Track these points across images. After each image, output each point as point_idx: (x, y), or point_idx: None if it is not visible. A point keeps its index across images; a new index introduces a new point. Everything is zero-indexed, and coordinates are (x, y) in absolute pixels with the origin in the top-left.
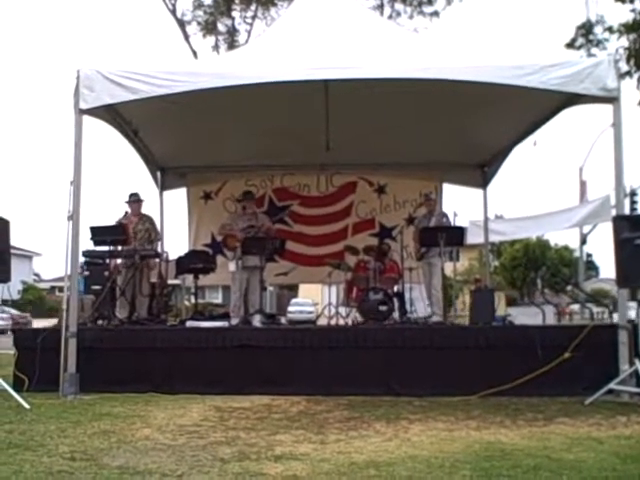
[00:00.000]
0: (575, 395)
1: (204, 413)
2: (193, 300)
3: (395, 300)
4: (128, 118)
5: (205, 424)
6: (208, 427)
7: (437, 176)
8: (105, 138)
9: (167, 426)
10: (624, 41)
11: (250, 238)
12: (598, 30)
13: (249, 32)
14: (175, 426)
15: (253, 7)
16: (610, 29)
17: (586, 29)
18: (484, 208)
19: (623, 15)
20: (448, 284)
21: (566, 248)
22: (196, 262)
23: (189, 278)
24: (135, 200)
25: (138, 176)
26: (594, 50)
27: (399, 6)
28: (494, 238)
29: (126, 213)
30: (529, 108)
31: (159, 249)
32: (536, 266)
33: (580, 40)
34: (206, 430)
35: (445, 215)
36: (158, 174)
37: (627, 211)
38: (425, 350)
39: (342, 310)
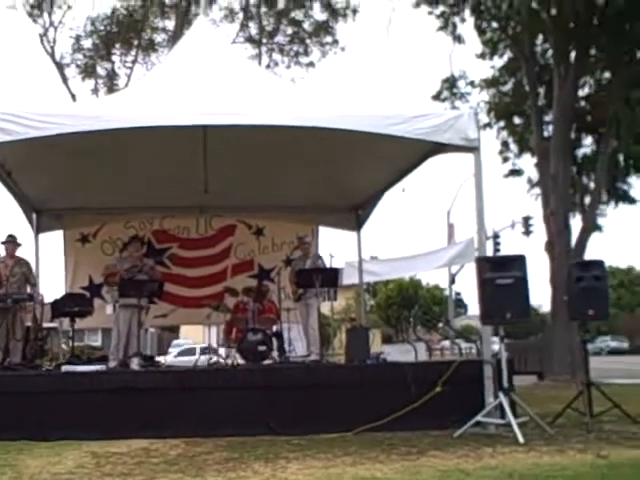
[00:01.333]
0: (445, 428)
1: (80, 460)
2: (70, 343)
3: (274, 340)
4: (1, 160)
5: (80, 471)
6: (83, 474)
7: (313, 219)
8: None
9: (40, 475)
10: (485, 95)
11: (128, 280)
12: (461, 84)
13: (129, 76)
14: (49, 475)
15: (133, 52)
16: (472, 84)
17: (450, 83)
18: (358, 249)
19: (484, 71)
20: (326, 323)
21: (437, 287)
22: (72, 305)
23: (66, 321)
24: (11, 241)
25: (12, 218)
26: (458, 103)
27: (277, 56)
28: (369, 278)
29: (7, 254)
30: (398, 156)
31: (35, 292)
32: (409, 304)
33: (445, 93)
34: (80, 477)
35: (320, 257)
36: (33, 216)
37: (491, 252)
38: (303, 389)
39: (222, 351)
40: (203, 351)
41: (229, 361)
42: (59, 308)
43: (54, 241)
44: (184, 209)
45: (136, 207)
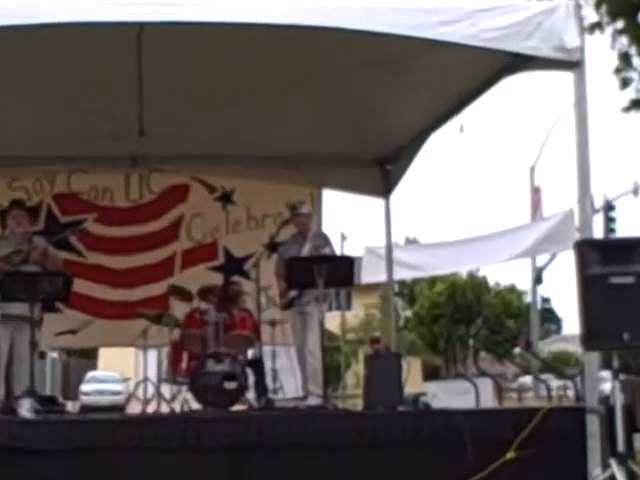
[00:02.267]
0: None
1: None
2: None
3: (249, 372)
4: None
5: None
6: None
7: (313, 177)
8: None
9: None
10: None
11: (11, 274)
12: None
13: None
14: None
15: None
16: None
17: None
18: (386, 228)
19: None
20: (333, 346)
21: (512, 290)
22: None
23: None
24: None
25: None
26: None
27: None
28: (404, 274)
29: None
30: (451, 76)
31: None
32: (468, 317)
33: None
34: None
35: (325, 238)
36: None
37: (601, 233)
38: (295, 451)
39: (166, 389)
40: (136, 389)
41: (176, 406)
42: None
43: None
44: (106, 160)
45: (28, 156)
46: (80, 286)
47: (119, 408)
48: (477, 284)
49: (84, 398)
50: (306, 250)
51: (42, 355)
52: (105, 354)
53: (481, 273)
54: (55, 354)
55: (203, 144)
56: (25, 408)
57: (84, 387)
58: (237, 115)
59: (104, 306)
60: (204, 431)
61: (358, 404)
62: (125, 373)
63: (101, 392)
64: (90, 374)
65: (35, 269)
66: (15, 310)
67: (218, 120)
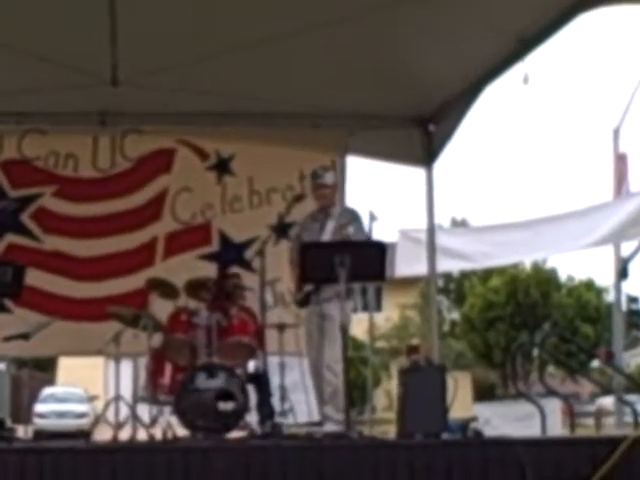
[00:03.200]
0: None
1: None
2: None
3: (250, 389)
4: None
5: None
6: None
7: (335, 140)
8: None
9: None
10: None
11: None
12: None
13: None
14: None
15: None
16: None
17: None
18: (428, 206)
19: None
20: (358, 357)
21: (589, 286)
22: None
23: None
24: None
25: None
26: None
27: None
28: (450, 265)
29: None
30: (512, 12)
31: None
32: (532, 321)
33: None
34: None
35: (355, 216)
36: None
37: None
38: None
39: (144, 411)
40: (105, 410)
41: (157, 432)
42: None
43: None
44: (69, 118)
45: None
46: (34, 278)
47: (84, 434)
48: (544, 279)
49: (39, 421)
50: (329, 231)
51: None
52: (66, 365)
53: (549, 264)
54: (2, 365)
55: (193, 97)
56: None
57: (39, 407)
58: (239, 60)
59: (65, 304)
60: (193, 464)
61: (390, 431)
62: (91, 390)
63: (61, 414)
64: (47, 391)
65: None
66: None
67: (213, 66)
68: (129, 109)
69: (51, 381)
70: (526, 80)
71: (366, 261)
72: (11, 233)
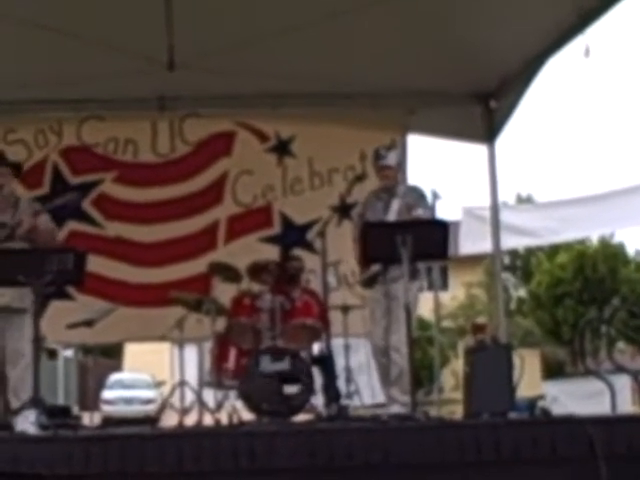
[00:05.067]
0: None
1: None
2: None
3: (316, 372)
4: None
5: None
6: None
7: (396, 119)
8: None
9: None
10: None
11: (5, 252)
12: None
13: None
14: None
15: None
16: None
17: None
18: (491, 183)
19: None
20: (424, 337)
21: None
22: None
23: None
24: None
25: None
26: None
27: None
28: (515, 242)
29: None
30: None
31: None
32: (601, 297)
33: None
34: None
35: (421, 195)
36: None
37: None
38: (376, 474)
39: (209, 395)
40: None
41: (223, 417)
42: None
43: None
44: (127, 103)
45: (28, 100)
46: (97, 265)
47: (151, 420)
48: (612, 254)
49: (106, 408)
50: (394, 210)
51: (52, 354)
52: (133, 351)
53: (617, 239)
54: (69, 352)
55: (251, 79)
56: (28, 421)
57: (106, 394)
58: (297, 40)
59: (128, 290)
60: (259, 449)
61: (457, 411)
62: (158, 376)
63: (128, 400)
64: (114, 377)
65: (31, 246)
66: (1, 300)
67: (271, 47)
68: (187, 93)
69: (118, 367)
70: (587, 53)
71: (428, 240)
72: (73, 220)
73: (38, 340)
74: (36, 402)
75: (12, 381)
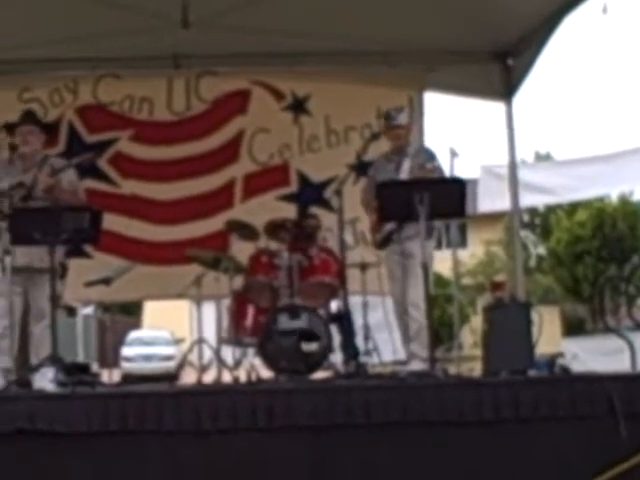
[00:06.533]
0: None
1: None
2: None
3: (334, 330)
4: None
5: None
6: None
7: (413, 76)
8: None
9: None
10: None
11: (21, 211)
12: None
13: None
14: None
15: None
16: None
17: None
18: (509, 141)
19: None
20: (443, 295)
21: None
22: None
23: None
24: None
25: None
26: None
27: None
28: (534, 200)
29: None
30: None
31: None
32: (620, 254)
33: None
34: None
35: (431, 154)
36: None
37: None
38: (394, 431)
39: (227, 353)
40: (189, 352)
41: (241, 374)
42: None
43: None
44: (142, 61)
45: (42, 58)
46: (113, 223)
47: (171, 377)
48: (631, 211)
49: (126, 365)
50: (405, 170)
51: (71, 312)
52: (151, 309)
53: (637, 197)
54: (89, 310)
55: (267, 37)
56: (46, 378)
57: (126, 351)
58: None
59: (145, 248)
60: (277, 407)
61: (476, 368)
62: (178, 333)
63: (148, 357)
64: (133, 334)
65: (49, 204)
66: (24, 261)
67: (286, 5)
68: (202, 51)
69: (137, 325)
70: (605, 10)
71: (446, 198)
72: (89, 178)
73: (55, 298)
74: (54, 359)
75: (33, 339)
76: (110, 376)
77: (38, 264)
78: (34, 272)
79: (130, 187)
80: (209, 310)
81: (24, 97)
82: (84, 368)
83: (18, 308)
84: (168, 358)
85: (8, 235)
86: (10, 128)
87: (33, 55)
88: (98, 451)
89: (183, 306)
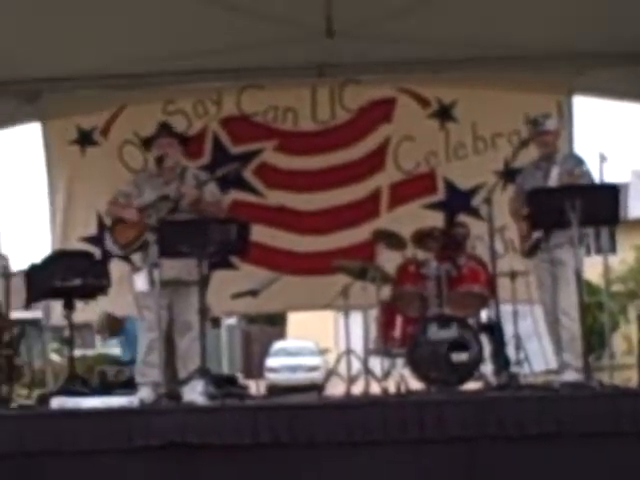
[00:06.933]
0: None
1: None
2: (65, 352)
3: (484, 340)
4: None
5: None
6: None
7: (561, 81)
8: None
9: None
10: None
11: (168, 224)
12: None
13: None
14: None
15: None
16: None
17: None
18: None
19: None
20: (594, 302)
21: None
22: (68, 275)
23: (57, 308)
24: None
25: None
26: None
27: None
28: None
29: None
30: None
31: None
32: None
33: None
34: None
35: (580, 161)
36: None
37: None
38: (550, 444)
39: (375, 364)
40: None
41: (390, 385)
42: (41, 282)
43: (25, 147)
44: (286, 71)
45: (187, 70)
46: (259, 234)
47: (316, 388)
48: None
49: (271, 376)
50: (554, 177)
51: (216, 323)
52: (296, 319)
53: None
54: (232, 320)
55: (412, 45)
56: (196, 391)
57: (271, 362)
58: (455, 4)
59: (291, 258)
60: (428, 419)
61: (631, 377)
62: (322, 343)
63: (292, 368)
64: (277, 345)
65: (195, 217)
66: (173, 273)
67: (432, 12)
68: (346, 60)
69: (282, 335)
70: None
71: (598, 204)
72: (234, 190)
73: (205, 311)
74: (203, 372)
75: (180, 352)
76: (257, 387)
77: (186, 277)
78: (180, 285)
79: (276, 197)
80: (355, 320)
81: (168, 109)
82: (232, 380)
83: (163, 321)
84: (313, 369)
85: (156, 248)
86: (147, 142)
87: (177, 67)
88: (249, 463)
89: (327, 316)
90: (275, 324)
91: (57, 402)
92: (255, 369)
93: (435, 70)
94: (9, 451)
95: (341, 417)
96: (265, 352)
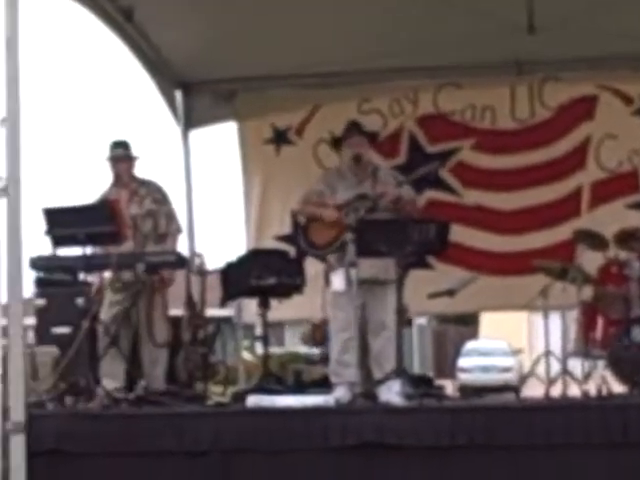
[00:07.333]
0: None
1: None
2: (259, 351)
3: None
4: None
5: None
6: None
7: None
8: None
9: None
10: None
11: (367, 223)
12: None
13: None
14: None
15: None
16: None
17: None
18: None
19: None
20: None
21: None
22: (264, 273)
23: (250, 306)
24: (122, 155)
25: (140, 107)
26: None
27: None
28: None
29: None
30: None
31: (182, 249)
32: None
33: None
34: None
35: None
36: (177, 95)
37: None
38: None
39: (575, 365)
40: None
41: (591, 388)
42: (238, 280)
43: (220, 146)
44: (484, 68)
45: (382, 69)
46: (456, 233)
47: (509, 389)
48: None
49: (463, 376)
50: None
51: (408, 322)
52: (488, 319)
53: None
54: (422, 320)
55: (612, 41)
56: (392, 391)
57: (463, 362)
58: None
59: (490, 259)
60: (631, 422)
61: None
62: (515, 343)
63: (485, 368)
64: (470, 345)
65: (394, 216)
66: (369, 273)
67: (630, 7)
68: (545, 57)
69: (474, 335)
70: None
71: None
72: (431, 189)
73: (402, 311)
74: (400, 372)
75: (373, 352)
76: (454, 387)
77: (383, 276)
78: (376, 284)
79: (473, 197)
80: (553, 321)
81: (363, 108)
82: (428, 380)
83: (357, 321)
84: (506, 370)
85: (353, 247)
86: (337, 141)
87: (374, 66)
88: (445, 465)
89: (520, 316)
90: (467, 324)
91: (253, 400)
92: (447, 369)
93: (636, 67)
94: (204, 450)
95: (540, 420)
96: (457, 352)
